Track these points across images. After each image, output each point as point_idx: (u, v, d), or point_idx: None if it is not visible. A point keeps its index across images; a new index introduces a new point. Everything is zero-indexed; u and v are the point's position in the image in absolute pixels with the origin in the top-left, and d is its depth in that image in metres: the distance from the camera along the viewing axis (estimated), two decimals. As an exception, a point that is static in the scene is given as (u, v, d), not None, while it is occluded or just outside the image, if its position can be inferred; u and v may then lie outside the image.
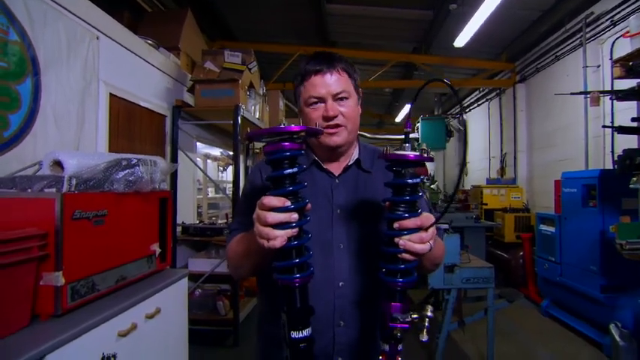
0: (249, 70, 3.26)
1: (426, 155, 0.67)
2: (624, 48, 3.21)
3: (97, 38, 2.24)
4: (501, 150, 6.39)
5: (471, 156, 8.12)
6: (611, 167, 3.50)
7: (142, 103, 2.78)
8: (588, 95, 3.65)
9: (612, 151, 3.75)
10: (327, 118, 0.88)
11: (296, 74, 0.94)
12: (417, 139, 6.43)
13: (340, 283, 0.88)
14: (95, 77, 2.22)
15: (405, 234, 0.68)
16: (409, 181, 0.69)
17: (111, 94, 2.40)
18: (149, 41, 2.96)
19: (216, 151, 5.04)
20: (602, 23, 3.98)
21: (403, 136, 0.73)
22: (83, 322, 1.18)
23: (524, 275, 4.54)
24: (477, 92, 7.41)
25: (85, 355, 1.19)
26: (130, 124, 2.66)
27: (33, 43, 1.76)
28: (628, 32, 2.90)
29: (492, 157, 6.85)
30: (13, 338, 1.07)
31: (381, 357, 0.73)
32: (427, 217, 0.70)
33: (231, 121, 3.01)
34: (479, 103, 7.42)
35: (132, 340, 1.40)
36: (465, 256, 2.73)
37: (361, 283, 0.89)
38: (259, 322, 1.00)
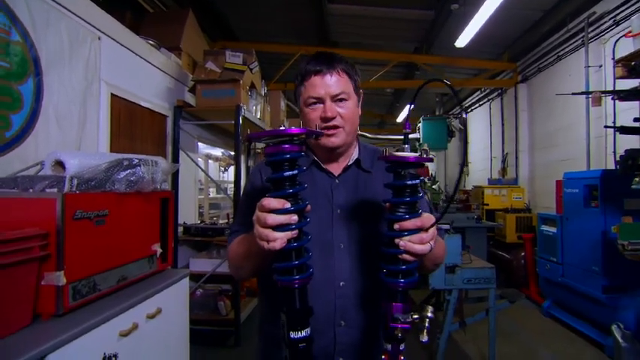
0: (251, 70, 3.26)
1: (425, 156, 0.67)
2: (626, 48, 3.21)
3: (99, 39, 2.25)
4: (503, 150, 6.38)
5: (472, 156, 8.11)
6: (613, 168, 3.49)
7: (144, 104, 2.79)
8: (590, 95, 3.64)
9: (614, 152, 3.74)
10: (325, 119, 0.88)
11: (296, 74, 0.94)
12: (418, 140, 6.43)
13: (341, 283, 0.88)
14: (97, 77, 2.23)
15: (406, 235, 0.68)
16: (409, 182, 0.69)
17: (112, 94, 2.40)
18: (150, 41, 2.97)
19: (218, 152, 5.05)
20: (604, 23, 3.97)
21: (409, 137, 0.73)
22: (84, 322, 1.19)
23: (525, 276, 4.53)
24: (479, 92, 7.40)
25: (87, 354, 1.19)
26: (131, 124, 2.67)
27: (35, 44, 1.77)
28: (630, 32, 2.90)
29: (494, 158, 6.83)
30: (14, 338, 1.07)
31: (383, 356, 0.73)
32: (427, 218, 0.70)
33: (233, 122, 3.01)
34: (480, 103, 7.41)
35: (133, 340, 1.41)
36: (466, 256, 2.72)
37: (362, 283, 0.89)
38: (260, 322, 1.00)
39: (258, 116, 3.63)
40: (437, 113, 7.64)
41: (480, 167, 7.52)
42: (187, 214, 3.58)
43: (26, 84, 1.73)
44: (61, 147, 1.89)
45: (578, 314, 3.47)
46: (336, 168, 0.96)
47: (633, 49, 2.71)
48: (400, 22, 5.05)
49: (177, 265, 3.08)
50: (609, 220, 3.03)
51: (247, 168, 4.79)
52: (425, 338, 0.69)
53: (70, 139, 2.00)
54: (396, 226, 0.69)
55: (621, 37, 3.65)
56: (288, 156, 0.67)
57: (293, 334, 0.68)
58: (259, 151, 5.14)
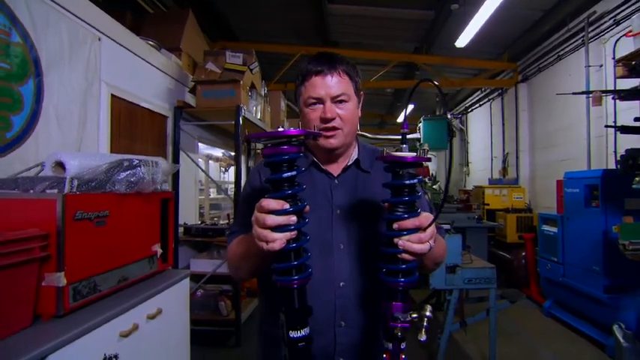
0: (251, 70, 3.26)
1: (425, 156, 0.67)
2: (627, 47, 3.20)
3: (99, 39, 2.25)
4: (503, 150, 6.38)
5: (472, 156, 8.11)
6: (614, 167, 3.49)
7: (144, 104, 2.79)
8: (590, 95, 3.64)
9: (615, 151, 3.74)
10: (324, 120, 0.88)
11: (297, 74, 0.94)
12: (418, 139, 6.42)
13: (341, 284, 0.88)
14: (97, 78, 2.23)
15: (405, 234, 0.68)
16: (407, 182, 0.69)
17: (113, 95, 2.41)
18: (151, 42, 2.97)
19: (218, 152, 5.05)
20: (604, 22, 3.97)
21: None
22: (85, 323, 1.19)
23: (526, 276, 4.53)
24: (479, 92, 7.40)
25: (87, 355, 1.19)
26: (131, 124, 2.67)
27: (35, 45, 1.77)
28: (631, 31, 2.89)
29: (494, 157, 6.83)
30: (15, 338, 1.07)
31: (384, 355, 0.73)
32: (426, 217, 0.70)
33: (233, 122, 3.02)
34: (481, 103, 7.41)
35: (133, 341, 1.41)
36: (466, 256, 2.72)
37: (362, 283, 0.89)
38: (260, 322, 1.01)
39: (259, 117, 3.63)
40: (437, 113, 7.64)
41: (481, 167, 7.52)
42: (188, 214, 3.59)
43: (26, 85, 1.73)
44: (61, 148, 1.89)
45: (579, 314, 3.46)
46: (335, 168, 0.97)
47: (633, 48, 2.71)
48: (400, 22, 5.05)
49: (178, 266, 3.08)
50: (610, 219, 3.03)
51: (248, 168, 4.79)
52: (423, 337, 0.69)
53: (70, 139, 2.00)
54: (395, 225, 0.69)
55: (621, 36, 3.65)
56: (286, 157, 0.67)
57: (292, 334, 0.69)
58: (259, 151, 5.15)
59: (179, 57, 3.39)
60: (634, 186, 2.66)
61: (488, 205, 5.48)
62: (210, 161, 5.02)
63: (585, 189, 3.36)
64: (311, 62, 0.91)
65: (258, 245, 0.67)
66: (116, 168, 1.46)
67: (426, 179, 4.94)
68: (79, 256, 1.27)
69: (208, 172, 4.42)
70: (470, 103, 7.96)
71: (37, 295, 1.17)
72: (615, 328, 2.52)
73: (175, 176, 3.12)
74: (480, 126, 7.59)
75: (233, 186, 3.34)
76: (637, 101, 3.13)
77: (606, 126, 3.68)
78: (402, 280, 0.71)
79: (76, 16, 2.07)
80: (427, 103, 8.31)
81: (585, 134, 4.16)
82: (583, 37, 4.24)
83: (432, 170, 5.52)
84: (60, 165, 1.39)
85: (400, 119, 9.23)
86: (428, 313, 0.70)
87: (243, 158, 4.33)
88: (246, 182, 1.04)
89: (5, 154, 1.62)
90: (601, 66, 4.03)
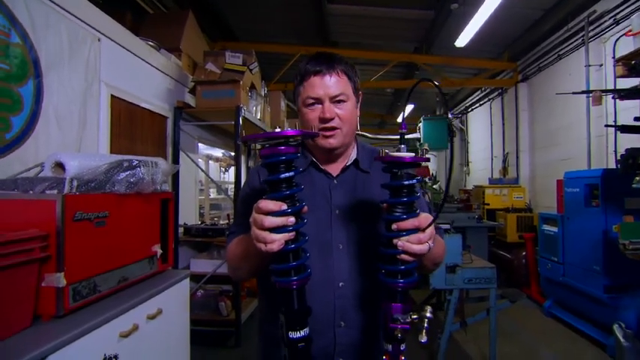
0: (250, 70, 3.26)
1: (425, 155, 0.67)
2: (627, 46, 3.20)
3: (99, 40, 2.25)
4: (503, 150, 6.38)
5: (473, 156, 8.11)
6: (614, 167, 3.49)
7: (144, 105, 2.79)
8: (590, 94, 3.64)
9: (615, 151, 3.74)
10: (323, 120, 0.88)
11: (296, 74, 0.94)
12: (419, 139, 6.41)
13: (340, 284, 0.88)
14: (97, 79, 2.23)
15: (404, 235, 0.68)
16: (405, 182, 0.69)
17: (112, 95, 2.41)
18: (150, 43, 2.97)
19: (218, 152, 5.05)
20: (604, 22, 3.96)
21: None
22: (85, 323, 1.19)
23: (526, 275, 4.53)
24: (479, 92, 7.39)
25: (87, 355, 1.19)
26: (131, 125, 2.67)
27: (35, 46, 1.77)
28: (630, 31, 2.89)
29: (494, 157, 6.83)
30: (15, 339, 1.07)
31: (384, 357, 0.73)
32: (425, 218, 0.70)
33: (233, 122, 3.02)
34: (481, 102, 7.41)
35: (133, 341, 1.41)
36: (467, 256, 2.72)
37: (361, 284, 0.89)
38: (260, 322, 1.01)
39: (259, 117, 3.63)
40: (437, 113, 7.64)
41: (481, 167, 7.51)
42: (188, 214, 3.59)
43: (26, 86, 1.73)
44: (61, 148, 1.89)
45: (579, 314, 3.46)
46: (334, 168, 0.96)
47: (633, 47, 2.71)
48: (400, 21, 5.05)
49: (178, 266, 3.08)
50: (610, 219, 3.03)
51: (248, 169, 4.79)
52: (424, 339, 0.69)
53: (70, 140, 2.00)
54: (394, 226, 0.69)
55: (621, 35, 3.64)
56: (283, 158, 0.67)
57: (292, 334, 0.69)
58: (259, 151, 5.14)
59: (179, 57, 3.39)
60: (634, 185, 2.66)
61: (488, 204, 5.48)
62: (210, 161, 5.02)
63: (585, 188, 3.36)
64: (309, 62, 0.91)
65: (256, 246, 0.67)
66: (116, 168, 1.46)
67: (427, 179, 4.93)
68: (79, 256, 1.27)
69: (208, 173, 4.42)
70: (470, 102, 7.96)
71: (37, 295, 1.17)
72: (615, 327, 2.51)
73: (175, 176, 3.12)
74: (480, 126, 7.58)
75: (233, 186, 3.34)
76: (637, 100, 3.13)
77: (606, 125, 3.67)
78: (402, 281, 0.70)
79: (76, 17, 2.07)
80: (427, 103, 8.31)
81: (585, 134, 4.16)
82: (583, 36, 4.24)
83: (432, 170, 5.52)
84: (60, 165, 1.39)
85: (400, 119, 9.22)
86: (428, 314, 0.69)
87: (243, 158, 4.34)
88: (245, 182, 1.04)
89: (5, 154, 1.62)
90: (601, 65, 4.03)
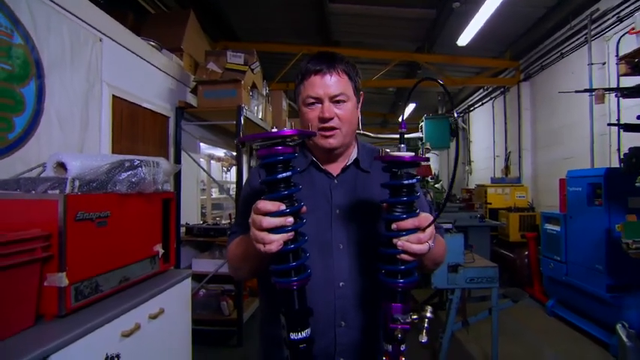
0: (252, 70, 3.27)
1: (426, 155, 0.67)
2: (630, 45, 3.18)
3: (100, 40, 2.26)
4: (506, 149, 6.35)
5: (475, 155, 8.08)
6: (617, 165, 3.47)
7: (145, 105, 2.79)
8: (593, 93, 3.62)
9: (618, 150, 3.71)
10: (322, 120, 0.88)
11: (297, 73, 0.94)
12: (421, 139, 6.40)
13: (340, 284, 0.88)
14: (98, 79, 2.24)
15: (403, 235, 0.68)
16: (405, 182, 0.69)
17: (114, 95, 2.41)
18: (152, 43, 2.98)
19: (220, 152, 5.06)
20: (607, 20, 3.94)
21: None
22: (87, 323, 1.19)
23: (529, 275, 4.51)
24: (481, 91, 7.37)
25: (89, 355, 1.19)
26: (133, 125, 2.68)
27: (37, 46, 1.78)
28: (634, 29, 2.87)
29: (497, 156, 6.81)
30: (17, 338, 1.08)
31: (384, 357, 0.73)
32: (425, 218, 0.70)
33: (234, 122, 3.02)
34: (483, 101, 7.38)
35: (135, 341, 1.41)
36: (469, 255, 2.71)
37: (362, 284, 0.89)
38: (260, 322, 1.01)
39: (260, 116, 3.64)
40: (439, 112, 7.63)
41: (483, 166, 7.49)
42: (190, 214, 3.59)
43: (28, 86, 1.74)
44: (63, 149, 1.90)
45: (582, 313, 3.45)
46: (334, 168, 0.96)
47: (637, 45, 2.69)
48: (402, 20, 5.03)
49: (180, 266, 3.09)
50: (613, 218, 3.01)
51: (250, 168, 4.80)
52: (424, 339, 0.68)
53: (72, 140, 2.01)
54: (394, 226, 0.69)
55: (625, 33, 3.62)
56: (281, 158, 0.67)
57: (293, 335, 0.69)
58: (261, 151, 5.14)
59: (180, 57, 3.39)
60: (637, 184, 2.65)
61: (490, 204, 5.47)
62: (212, 161, 5.03)
63: (588, 187, 3.34)
64: (310, 61, 0.91)
65: (256, 247, 0.67)
66: (117, 168, 1.46)
67: (429, 178, 4.93)
68: (81, 256, 1.27)
69: (210, 172, 4.43)
70: (472, 101, 7.94)
71: (40, 295, 1.18)
72: (619, 327, 2.50)
73: (177, 176, 3.13)
74: (482, 125, 7.56)
75: (235, 186, 3.34)
76: (640, 99, 3.11)
77: (609, 124, 3.65)
78: (402, 281, 0.70)
79: (78, 17, 2.07)
80: (429, 102, 8.29)
81: (588, 132, 4.13)
82: (586, 34, 4.21)
83: (434, 169, 5.51)
84: (61, 166, 1.39)
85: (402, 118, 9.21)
86: (428, 314, 0.69)
87: (244, 158, 4.34)
88: (246, 182, 1.04)
89: (8, 154, 1.63)
90: (604, 63, 4.00)
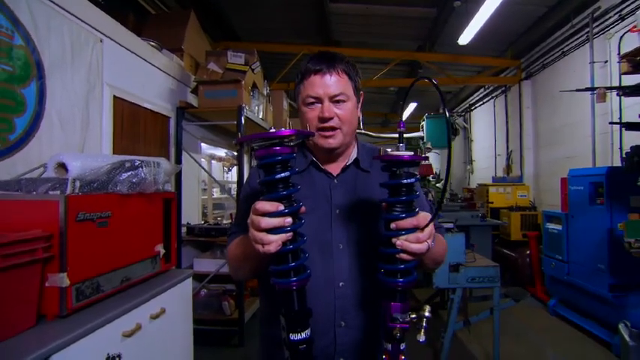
0: (253, 70, 3.27)
1: (427, 154, 0.67)
2: (632, 43, 3.16)
3: (101, 41, 2.26)
4: (507, 148, 6.34)
5: (476, 154, 8.07)
6: (619, 164, 3.45)
7: (146, 105, 2.80)
8: (595, 91, 3.61)
9: (620, 148, 3.70)
10: (322, 119, 0.88)
11: (297, 72, 0.94)
12: (422, 138, 6.38)
13: (340, 284, 0.88)
14: (99, 80, 2.24)
15: (402, 234, 0.68)
16: (404, 181, 0.69)
17: (115, 96, 2.42)
18: (153, 43, 2.98)
19: (221, 152, 5.06)
20: (609, 18, 3.92)
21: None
22: (88, 323, 1.20)
23: (531, 274, 4.50)
24: (483, 90, 7.35)
25: (90, 355, 1.20)
26: (134, 125, 2.68)
27: (37, 47, 1.78)
28: (636, 27, 2.86)
29: (498, 155, 6.79)
30: (19, 338, 1.08)
31: (384, 356, 0.73)
32: (424, 217, 0.70)
33: (235, 122, 3.02)
34: (484, 100, 7.37)
35: (136, 341, 1.42)
36: (470, 255, 2.71)
37: (362, 283, 0.89)
38: (260, 323, 1.01)
39: (261, 116, 3.64)
40: (440, 111, 7.62)
41: (485, 165, 7.48)
42: (191, 214, 3.60)
43: (29, 87, 1.74)
44: (64, 149, 1.90)
45: (584, 313, 3.44)
46: (334, 168, 0.96)
47: (639, 43, 2.67)
48: (402, 19, 5.03)
49: (182, 266, 3.09)
50: (615, 217, 3.00)
51: (250, 168, 4.80)
52: (422, 338, 0.68)
53: (73, 141, 2.01)
54: (393, 225, 0.69)
55: (627, 32, 3.60)
56: (279, 158, 0.67)
57: (293, 336, 0.69)
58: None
59: (181, 57, 3.40)
60: (639, 183, 2.64)
61: (492, 203, 5.46)
62: (213, 161, 5.03)
63: (590, 186, 3.33)
64: (310, 61, 0.91)
65: (254, 247, 0.67)
66: (118, 169, 1.46)
67: (430, 177, 4.92)
68: (82, 256, 1.27)
69: (211, 172, 4.43)
70: (473, 100, 7.92)
71: (41, 295, 1.18)
72: (621, 326, 2.49)
73: (178, 176, 3.14)
74: (484, 124, 7.54)
75: (236, 186, 3.34)
76: (642, 97, 3.10)
77: (611, 123, 3.64)
78: (401, 280, 0.70)
79: (78, 18, 2.07)
80: (430, 101, 8.28)
81: (590, 131, 4.12)
82: (587, 32, 4.20)
83: (435, 168, 5.50)
84: (62, 166, 1.40)
85: (404, 117, 9.21)
86: (427, 314, 0.69)
87: (245, 158, 4.35)
88: (246, 182, 1.04)
89: (9, 155, 1.63)
90: (606, 62, 3.99)
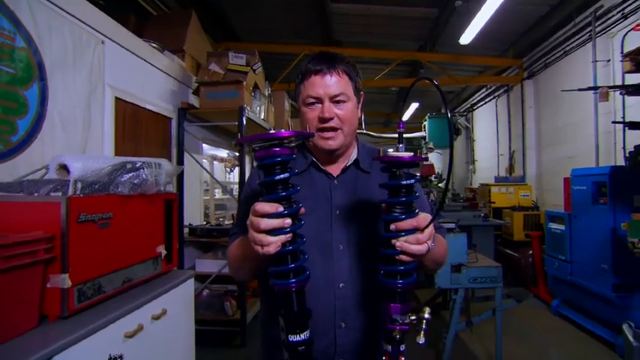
0: (254, 71, 3.27)
1: (428, 154, 0.66)
2: (635, 41, 3.15)
3: (102, 43, 2.27)
4: (509, 147, 6.32)
5: (478, 154, 8.04)
6: (622, 164, 3.43)
7: (148, 106, 2.81)
8: (597, 91, 3.59)
9: (623, 148, 3.68)
10: (322, 120, 0.88)
11: (298, 72, 0.94)
12: (424, 138, 6.38)
13: (340, 285, 0.88)
14: (101, 81, 2.25)
15: (402, 235, 0.67)
16: (403, 182, 0.68)
17: (116, 97, 2.42)
18: (154, 44, 2.99)
19: (223, 153, 5.06)
20: (612, 16, 3.90)
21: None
22: (90, 324, 1.20)
23: (534, 274, 4.48)
24: (485, 89, 7.33)
25: (92, 356, 1.20)
26: (135, 126, 2.69)
27: (39, 49, 1.79)
28: (639, 25, 2.84)
29: (500, 155, 6.77)
30: (21, 339, 1.09)
31: (384, 358, 0.72)
32: (424, 218, 0.70)
33: (237, 123, 3.02)
34: (486, 100, 7.34)
35: (138, 341, 1.42)
36: (472, 255, 2.70)
37: (362, 284, 0.88)
38: (261, 324, 1.01)
39: (262, 117, 3.64)
40: (442, 111, 7.61)
41: (487, 165, 7.45)
42: (193, 215, 3.61)
43: (31, 89, 1.75)
44: (66, 151, 1.90)
45: (587, 313, 3.42)
46: (335, 169, 0.96)
47: (641, 42, 2.66)
48: (404, 19, 5.02)
49: (184, 266, 3.10)
50: (619, 217, 2.99)
51: (252, 169, 4.80)
52: (422, 340, 0.68)
53: (75, 142, 2.02)
54: (392, 226, 0.69)
55: (629, 30, 3.58)
56: (278, 159, 0.67)
57: (292, 338, 0.68)
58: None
59: (182, 58, 3.40)
60: (643, 183, 2.62)
61: (494, 203, 5.44)
62: (214, 162, 5.04)
63: (593, 186, 3.32)
64: (311, 61, 0.91)
65: (254, 249, 0.67)
66: (119, 170, 1.47)
67: (432, 177, 4.91)
68: (84, 257, 1.28)
69: (213, 173, 4.44)
70: (475, 100, 7.90)
71: (43, 296, 1.19)
72: (625, 327, 2.48)
73: (180, 177, 3.14)
74: (486, 124, 7.52)
75: (237, 186, 3.34)
76: (645, 96, 3.08)
77: (614, 122, 3.62)
78: (401, 281, 0.70)
79: (80, 20, 2.08)
80: (432, 101, 8.27)
81: (593, 130, 4.10)
82: (590, 31, 4.18)
83: (437, 168, 5.48)
84: (64, 167, 1.40)
85: (405, 118, 9.19)
86: (427, 316, 0.69)
87: (247, 159, 4.35)
88: (246, 183, 1.04)
89: (11, 157, 1.64)
90: (608, 61, 3.97)
